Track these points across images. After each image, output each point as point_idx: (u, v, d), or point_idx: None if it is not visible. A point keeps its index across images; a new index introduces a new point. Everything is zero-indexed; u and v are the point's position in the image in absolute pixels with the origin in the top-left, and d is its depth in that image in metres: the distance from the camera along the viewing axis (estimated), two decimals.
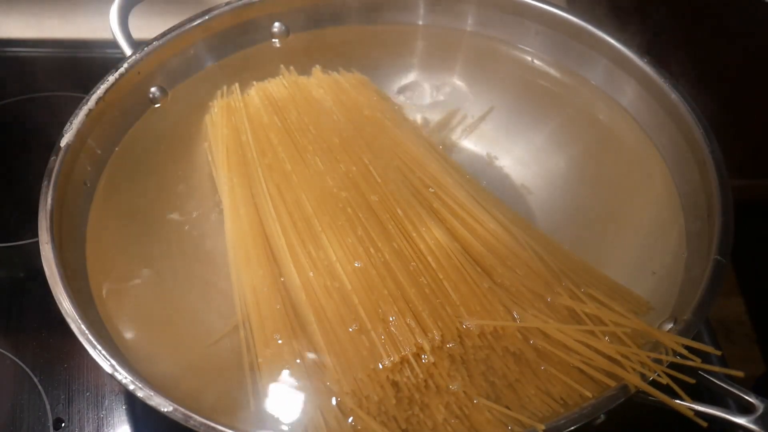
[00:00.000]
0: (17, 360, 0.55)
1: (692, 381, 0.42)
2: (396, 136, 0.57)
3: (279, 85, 0.61)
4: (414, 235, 0.51)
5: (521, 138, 0.61)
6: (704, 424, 0.42)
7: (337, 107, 0.59)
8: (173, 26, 0.61)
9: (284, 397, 0.46)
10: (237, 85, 0.62)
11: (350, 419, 0.44)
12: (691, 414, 0.42)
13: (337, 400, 0.45)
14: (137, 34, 0.61)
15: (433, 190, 0.54)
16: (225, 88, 0.62)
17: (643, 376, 0.42)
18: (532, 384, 0.45)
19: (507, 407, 0.44)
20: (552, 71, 0.63)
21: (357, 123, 0.58)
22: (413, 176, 0.55)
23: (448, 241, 0.50)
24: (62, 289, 0.46)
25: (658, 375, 0.42)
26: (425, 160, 0.56)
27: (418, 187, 0.54)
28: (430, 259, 0.49)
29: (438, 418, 0.44)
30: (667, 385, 0.42)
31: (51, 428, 0.52)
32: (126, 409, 0.53)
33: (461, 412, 0.44)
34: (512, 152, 0.60)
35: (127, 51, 0.59)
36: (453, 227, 0.52)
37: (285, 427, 0.45)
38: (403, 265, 0.49)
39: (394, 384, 0.45)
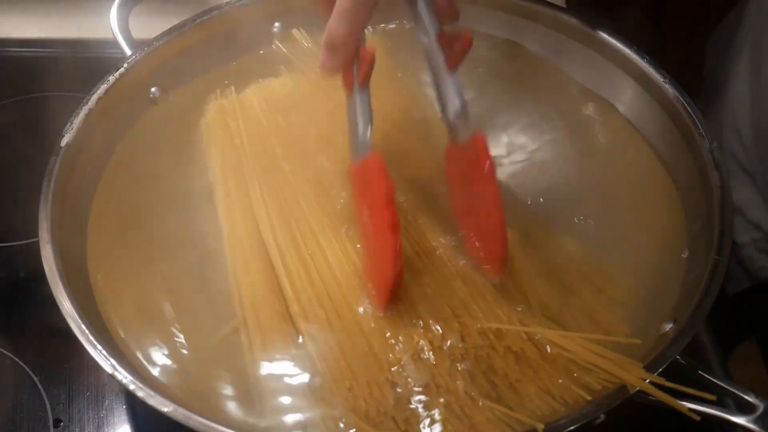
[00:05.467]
0: (17, 360, 0.55)
1: (712, 396, 0.42)
2: (399, 136, 0.57)
3: (279, 85, 0.61)
4: (415, 234, 0.51)
5: (519, 139, 0.61)
6: (697, 418, 0.41)
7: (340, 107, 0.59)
8: (173, 26, 0.61)
9: (283, 398, 0.46)
10: (233, 87, 0.61)
11: (346, 420, 0.44)
12: (685, 410, 0.42)
13: (334, 403, 0.45)
14: (137, 34, 0.61)
15: (435, 190, 0.54)
16: (218, 91, 0.61)
17: (643, 377, 0.42)
18: (533, 383, 0.45)
19: (508, 406, 0.44)
20: (552, 71, 0.63)
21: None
22: (417, 176, 0.55)
23: (450, 241, 0.50)
24: (62, 289, 0.46)
25: (658, 375, 0.42)
26: (428, 160, 0.56)
27: (421, 187, 0.54)
28: (432, 259, 0.49)
29: (438, 418, 0.44)
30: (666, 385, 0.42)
31: (51, 428, 0.52)
32: (126, 409, 0.53)
33: (462, 412, 0.44)
34: (510, 153, 0.60)
35: (127, 51, 0.59)
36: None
37: (284, 428, 0.45)
38: (406, 266, 0.49)
39: (393, 384, 0.45)
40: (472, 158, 0.46)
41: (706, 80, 0.74)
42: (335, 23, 0.40)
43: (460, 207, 0.50)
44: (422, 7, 0.42)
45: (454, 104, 0.44)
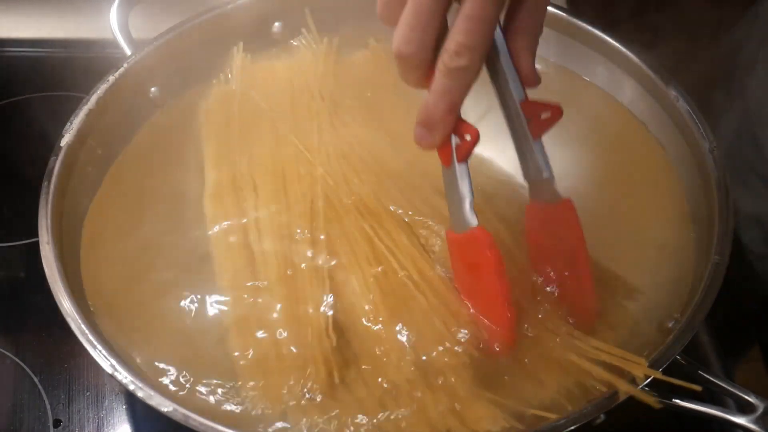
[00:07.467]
0: (17, 360, 0.55)
1: (698, 387, 0.42)
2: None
3: (281, 70, 0.62)
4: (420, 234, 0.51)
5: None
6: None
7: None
8: (173, 26, 0.61)
9: (279, 398, 0.46)
10: (230, 75, 0.61)
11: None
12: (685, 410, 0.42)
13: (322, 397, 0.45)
14: (137, 34, 0.61)
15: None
16: (221, 76, 0.61)
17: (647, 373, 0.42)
18: (530, 381, 0.46)
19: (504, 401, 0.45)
20: (552, 71, 0.63)
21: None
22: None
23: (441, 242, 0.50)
24: (62, 289, 0.46)
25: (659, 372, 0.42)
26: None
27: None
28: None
29: (433, 413, 0.44)
30: (667, 385, 0.42)
31: (51, 428, 0.52)
32: (126, 409, 0.53)
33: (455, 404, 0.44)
34: (512, 153, 0.60)
35: (127, 51, 0.59)
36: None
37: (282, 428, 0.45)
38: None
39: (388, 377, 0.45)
40: (558, 221, 0.45)
41: (717, 89, 0.73)
42: (434, 100, 0.38)
43: (541, 258, 0.48)
44: (507, 75, 0.42)
45: (540, 170, 0.43)
